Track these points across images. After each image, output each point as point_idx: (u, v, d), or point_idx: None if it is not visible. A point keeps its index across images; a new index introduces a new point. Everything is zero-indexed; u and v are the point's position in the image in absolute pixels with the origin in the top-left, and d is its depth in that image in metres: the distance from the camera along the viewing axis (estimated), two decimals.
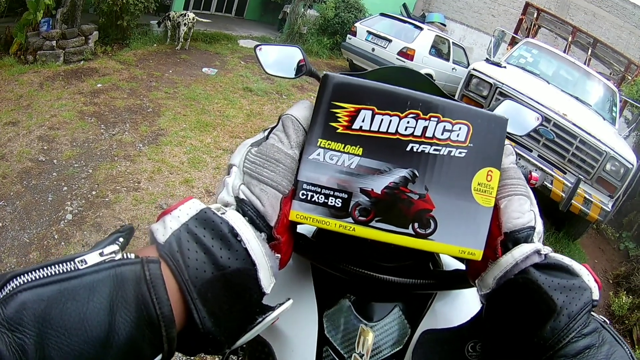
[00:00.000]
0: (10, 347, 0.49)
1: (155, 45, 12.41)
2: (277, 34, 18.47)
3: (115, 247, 0.64)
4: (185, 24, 12.49)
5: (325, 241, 1.24)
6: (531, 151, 8.05)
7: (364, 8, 18.63)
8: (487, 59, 9.59)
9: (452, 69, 15.77)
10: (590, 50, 12.74)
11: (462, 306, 1.24)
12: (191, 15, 12.66)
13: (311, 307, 1.17)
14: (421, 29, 14.81)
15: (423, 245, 0.89)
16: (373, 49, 14.56)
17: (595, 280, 0.80)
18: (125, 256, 0.63)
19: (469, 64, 14.82)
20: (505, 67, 9.34)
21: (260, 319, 0.78)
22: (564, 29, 13.48)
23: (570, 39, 12.82)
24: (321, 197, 0.87)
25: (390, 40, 14.40)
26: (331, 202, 0.87)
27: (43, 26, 9.28)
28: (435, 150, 0.87)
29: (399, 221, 0.88)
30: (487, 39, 15.16)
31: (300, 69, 1.57)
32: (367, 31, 14.89)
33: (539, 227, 0.89)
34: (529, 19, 13.50)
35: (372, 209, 0.88)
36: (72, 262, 0.59)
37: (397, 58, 14.03)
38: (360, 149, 0.86)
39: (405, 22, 15.27)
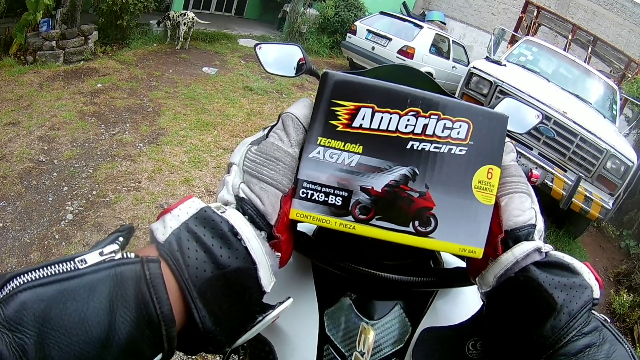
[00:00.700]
0: (10, 347, 0.49)
1: (155, 45, 12.41)
2: (277, 33, 18.47)
3: (115, 247, 0.64)
4: (185, 24, 12.48)
5: (326, 239, 1.24)
6: (532, 149, 8.04)
7: (364, 7, 18.62)
8: (487, 57, 9.60)
9: (452, 67, 15.78)
10: (590, 48, 12.73)
11: (462, 304, 1.24)
12: (191, 14, 12.66)
13: (312, 306, 1.17)
14: (421, 27, 14.81)
15: (423, 244, 0.88)
16: (373, 48, 14.56)
17: (596, 278, 0.80)
18: (125, 255, 0.63)
19: (469, 62, 14.82)
20: (505, 65, 9.35)
21: (260, 318, 0.78)
22: (564, 27, 13.47)
23: (570, 37, 12.84)
24: (321, 196, 0.87)
25: (390, 39, 14.40)
26: (331, 201, 0.87)
27: (43, 26, 9.27)
28: (435, 148, 0.87)
29: (400, 219, 0.88)
30: (487, 37, 15.17)
31: (300, 68, 1.57)
32: (367, 30, 14.89)
33: (540, 224, 0.88)
34: (529, 17, 13.50)
35: (373, 207, 0.87)
36: (72, 262, 0.59)
37: (397, 56, 14.03)
38: (361, 147, 0.86)
39: (405, 20, 15.26)
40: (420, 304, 1.19)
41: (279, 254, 0.81)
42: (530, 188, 0.94)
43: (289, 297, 0.85)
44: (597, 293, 0.78)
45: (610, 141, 7.75)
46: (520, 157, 7.26)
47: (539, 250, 0.82)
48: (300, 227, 1.09)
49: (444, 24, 18.28)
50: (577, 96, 9.32)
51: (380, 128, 0.86)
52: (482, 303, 0.90)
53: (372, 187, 0.87)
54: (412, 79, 1.54)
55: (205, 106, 9.12)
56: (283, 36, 17.15)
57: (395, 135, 0.86)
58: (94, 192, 5.74)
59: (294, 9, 16.98)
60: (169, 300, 0.61)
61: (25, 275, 0.55)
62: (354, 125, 0.86)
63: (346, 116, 0.86)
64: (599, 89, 10.22)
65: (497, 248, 0.86)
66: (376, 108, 0.86)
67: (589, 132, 7.72)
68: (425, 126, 0.87)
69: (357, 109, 0.86)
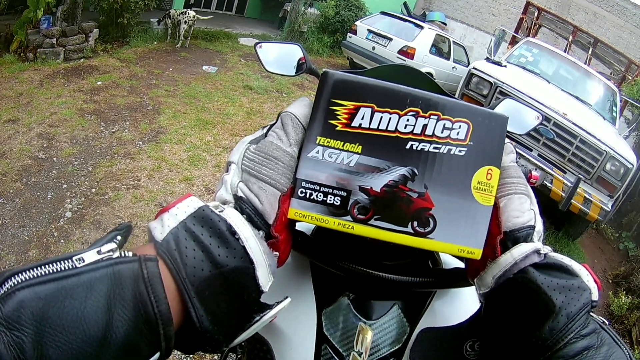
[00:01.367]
0: (8, 345, 0.49)
1: (155, 43, 12.43)
2: (277, 32, 18.49)
3: (113, 245, 0.64)
4: (185, 22, 12.49)
5: (324, 239, 1.25)
6: (531, 150, 8.06)
7: (365, 6, 18.63)
8: (487, 57, 9.60)
9: (453, 67, 15.78)
10: (590, 50, 12.73)
11: (461, 305, 1.24)
12: (191, 13, 12.66)
13: (310, 305, 1.17)
14: (422, 27, 14.79)
15: (422, 244, 0.89)
16: (373, 48, 14.55)
17: (595, 280, 0.80)
18: (122, 254, 0.63)
19: (469, 63, 14.82)
20: (505, 66, 9.35)
21: (258, 317, 0.78)
22: (565, 28, 13.48)
23: (570, 39, 12.83)
24: (320, 195, 0.87)
25: (390, 39, 14.39)
26: (330, 200, 0.87)
27: (43, 24, 9.27)
28: (435, 148, 0.87)
29: (398, 219, 0.88)
30: (488, 38, 15.15)
31: (301, 67, 1.57)
32: (368, 30, 14.89)
33: (539, 226, 0.88)
34: (529, 18, 13.49)
35: (371, 207, 0.87)
36: (70, 261, 0.59)
37: (397, 57, 14.01)
38: (360, 147, 0.86)
39: (405, 20, 15.25)
40: (418, 305, 1.19)
41: (277, 253, 0.81)
42: (530, 189, 0.94)
43: (287, 297, 0.85)
44: (595, 295, 0.78)
45: (610, 143, 7.76)
46: (519, 158, 7.25)
47: (537, 251, 0.82)
48: (298, 226, 1.09)
49: (445, 24, 18.23)
50: (577, 98, 9.32)
51: (380, 128, 0.86)
52: (480, 304, 0.90)
53: (371, 187, 0.87)
54: (412, 79, 1.54)
55: (205, 105, 9.12)
56: (284, 35, 17.17)
57: (394, 135, 0.86)
58: (93, 190, 5.74)
59: (295, 8, 16.99)
60: (167, 299, 0.61)
61: (24, 273, 0.55)
62: (353, 124, 0.86)
63: (345, 116, 0.86)
64: (599, 90, 10.22)
65: (495, 249, 0.86)
66: (376, 108, 0.86)
67: (589, 133, 7.73)
68: (424, 126, 0.87)
69: (357, 109, 0.86)
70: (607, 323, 0.78)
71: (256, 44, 1.65)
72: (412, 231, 0.88)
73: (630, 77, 12.59)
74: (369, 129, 0.86)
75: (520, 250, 0.82)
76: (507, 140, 0.95)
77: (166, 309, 0.61)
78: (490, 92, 8.32)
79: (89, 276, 0.58)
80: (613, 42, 16.34)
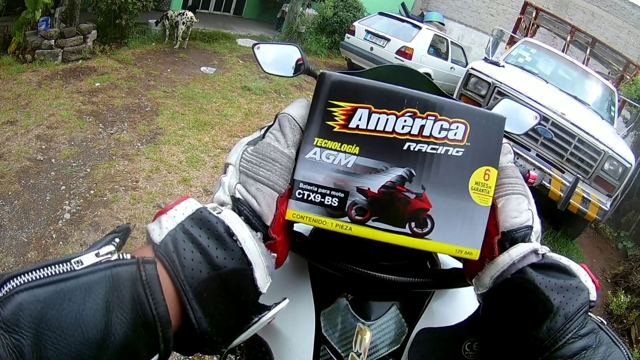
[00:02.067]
0: (7, 348, 0.49)
1: (153, 44, 12.43)
2: (275, 32, 18.49)
3: (111, 248, 0.64)
4: (183, 23, 12.49)
5: (322, 240, 1.25)
6: (529, 150, 8.08)
7: (363, 7, 18.64)
8: (485, 58, 9.61)
9: (451, 68, 15.80)
10: (588, 50, 12.78)
11: (459, 305, 1.25)
12: (189, 14, 12.66)
13: (308, 306, 1.18)
14: (420, 28, 14.80)
15: (420, 245, 0.89)
16: (371, 48, 14.56)
17: (593, 280, 0.80)
18: (121, 257, 0.63)
19: (467, 63, 14.84)
20: (503, 66, 9.38)
21: (256, 319, 0.78)
22: (563, 28, 13.51)
23: (568, 39, 12.86)
24: (318, 196, 0.86)
25: (388, 40, 14.40)
26: (328, 202, 0.87)
27: (41, 25, 9.28)
28: (432, 149, 0.87)
29: (396, 220, 0.88)
30: (486, 38, 15.17)
31: (298, 68, 1.58)
32: (366, 30, 14.90)
33: (537, 226, 0.88)
34: (527, 18, 13.54)
35: (369, 208, 0.87)
36: (68, 263, 0.59)
37: (395, 57, 14.03)
38: (357, 148, 0.86)
39: (403, 21, 15.25)
40: (416, 305, 1.20)
41: (275, 254, 0.81)
42: (528, 189, 0.94)
43: (285, 298, 0.85)
44: (593, 295, 0.78)
45: (608, 142, 7.79)
46: (518, 159, 7.34)
47: (535, 252, 0.82)
48: (297, 227, 1.09)
49: (443, 24, 18.29)
50: (575, 97, 9.36)
51: (377, 129, 0.86)
52: (478, 304, 0.90)
53: (369, 188, 0.87)
54: (409, 80, 1.54)
55: (203, 106, 9.13)
56: (282, 36, 17.18)
57: (392, 136, 0.86)
58: (92, 192, 5.74)
59: (293, 9, 17.01)
60: (165, 301, 0.61)
61: (22, 276, 0.55)
62: (350, 126, 0.86)
63: (343, 117, 0.86)
64: (597, 90, 10.25)
65: (493, 249, 0.86)
66: (373, 109, 0.86)
67: (587, 133, 7.76)
68: (422, 127, 0.87)
69: (354, 110, 0.86)
70: (605, 323, 0.78)
71: (254, 45, 1.65)
72: (409, 232, 0.88)
73: (628, 77, 12.67)
74: (366, 130, 0.86)
75: (518, 251, 0.82)
76: (504, 140, 0.95)
77: (164, 311, 0.61)
78: (489, 92, 8.34)
79: (87, 279, 0.58)
80: (611, 42, 16.38)
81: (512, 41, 12.41)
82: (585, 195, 7.81)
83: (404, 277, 1.06)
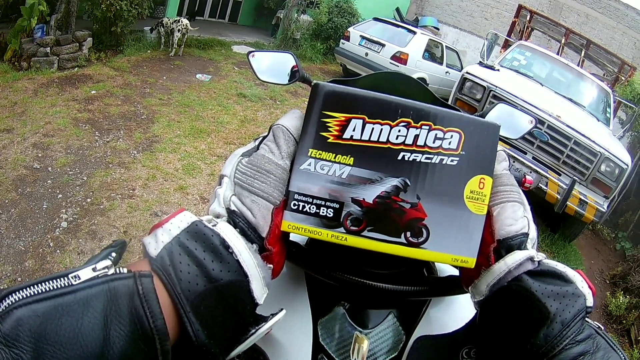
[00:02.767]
0: None
1: (149, 51, 12.44)
2: (270, 39, 18.51)
3: (107, 262, 0.64)
4: (179, 30, 12.52)
5: (318, 249, 1.25)
6: (525, 153, 8.09)
7: (357, 13, 18.67)
8: (480, 62, 9.67)
9: (446, 72, 15.84)
10: (583, 52, 12.78)
11: (456, 312, 1.25)
12: (185, 21, 12.69)
13: (305, 315, 1.18)
14: (414, 33, 14.81)
15: (415, 254, 0.89)
16: (366, 54, 14.57)
17: (589, 286, 0.80)
18: (117, 271, 0.64)
19: (462, 68, 14.81)
20: (498, 70, 9.40)
21: (253, 330, 0.78)
22: (557, 31, 13.52)
23: (563, 41, 12.87)
24: (313, 207, 0.87)
25: (383, 45, 14.42)
26: (323, 212, 0.87)
27: (37, 32, 9.28)
28: (426, 158, 0.87)
29: (391, 230, 0.88)
30: (481, 42, 15.15)
31: (293, 75, 1.57)
32: (361, 36, 14.93)
33: (533, 233, 0.89)
34: (521, 21, 13.54)
35: (364, 219, 0.88)
36: (66, 278, 0.59)
37: (390, 62, 14.05)
38: (352, 159, 0.86)
39: (398, 26, 15.28)
40: (414, 313, 1.20)
41: (271, 265, 0.81)
42: (523, 196, 0.94)
43: (282, 309, 0.85)
44: (590, 301, 0.78)
45: (604, 144, 7.82)
46: (514, 162, 7.37)
47: (531, 259, 0.82)
48: (292, 237, 1.09)
49: (437, 29, 18.30)
50: (570, 100, 9.39)
51: (371, 139, 0.87)
52: (475, 311, 0.91)
53: (364, 199, 0.87)
54: (405, 86, 1.54)
55: (199, 113, 9.14)
56: (277, 42, 17.20)
57: (386, 146, 0.87)
58: (88, 200, 5.73)
59: (288, 16, 17.04)
60: (163, 315, 0.61)
61: (21, 291, 0.56)
62: (344, 136, 0.86)
63: (337, 127, 0.86)
64: (592, 92, 10.29)
65: (489, 257, 0.86)
66: (367, 119, 0.87)
67: (583, 135, 7.79)
68: (416, 137, 0.87)
69: (348, 120, 0.87)
70: (602, 328, 0.78)
71: (249, 53, 1.66)
72: (405, 241, 0.89)
73: (623, 78, 12.69)
74: (360, 140, 0.87)
75: (514, 258, 0.82)
76: (499, 147, 0.95)
77: (162, 324, 0.61)
78: (484, 96, 8.36)
79: (85, 293, 0.59)
80: (605, 44, 16.41)
81: (506, 45, 12.45)
82: (582, 197, 7.84)
83: (401, 285, 1.07)
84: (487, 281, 0.85)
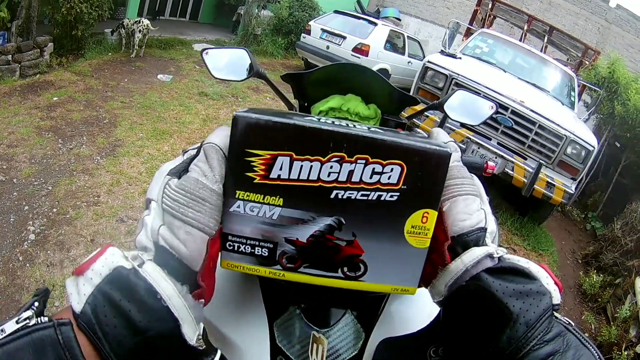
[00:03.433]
0: None
1: (110, 54, 12.34)
2: (231, 36, 18.48)
3: (29, 313, 0.64)
4: (140, 31, 12.44)
5: None
6: (490, 139, 8.20)
7: (318, 6, 18.80)
8: (442, 50, 9.68)
9: (408, 62, 15.99)
10: (546, 38, 12.97)
11: (417, 307, 1.25)
12: (145, 21, 12.60)
13: (261, 317, 1.18)
14: (375, 24, 14.92)
15: (354, 286, 0.88)
16: (328, 47, 14.66)
17: (555, 282, 0.77)
18: (39, 321, 0.63)
19: (424, 57, 14.96)
20: (460, 58, 9.48)
21: None
22: (520, 18, 13.64)
23: (526, 28, 13.03)
24: (247, 247, 0.85)
25: (344, 37, 14.53)
26: (258, 252, 0.86)
27: None
28: (362, 195, 0.83)
29: (328, 267, 0.87)
30: (443, 31, 15.24)
31: (249, 71, 1.57)
32: (322, 29, 15.02)
33: (492, 226, 0.86)
34: (484, 9, 13.64)
35: (299, 257, 0.86)
36: None
37: (352, 54, 14.17)
38: (281, 200, 0.83)
39: (359, 18, 15.39)
40: (372, 310, 1.20)
41: (203, 300, 0.78)
42: (479, 188, 0.92)
43: (217, 350, 0.84)
44: (556, 298, 0.75)
45: (569, 127, 7.95)
46: (479, 149, 7.43)
47: (490, 255, 0.80)
48: None
49: (399, 20, 18.30)
50: (534, 85, 9.50)
51: (301, 178, 0.82)
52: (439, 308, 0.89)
53: (297, 238, 0.85)
54: (360, 78, 1.57)
55: (161, 114, 9.10)
56: (238, 39, 17.20)
57: (317, 185, 0.82)
58: (55, 210, 5.68)
59: (248, 12, 17.03)
60: None
61: None
62: (271, 176, 0.81)
63: (262, 167, 0.81)
64: (556, 77, 10.43)
65: (444, 256, 0.83)
66: (294, 156, 0.80)
67: (547, 119, 7.91)
68: (350, 172, 0.82)
69: (274, 158, 0.81)
70: (572, 324, 0.75)
71: (202, 50, 1.65)
72: (342, 276, 0.88)
73: (587, 62, 12.90)
74: (288, 180, 0.82)
75: (471, 256, 0.80)
76: (449, 138, 0.94)
77: None
78: (446, 84, 8.41)
79: (12, 346, 0.59)
80: (569, 29, 16.67)
81: (468, 33, 12.50)
82: (550, 180, 7.95)
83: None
84: (444, 281, 0.83)
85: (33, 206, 5.69)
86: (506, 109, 7.88)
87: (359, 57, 13.96)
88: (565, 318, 0.76)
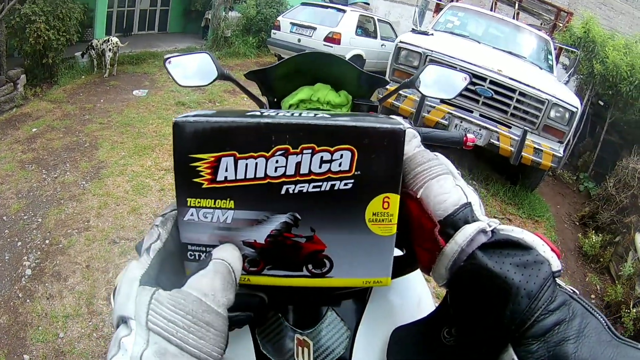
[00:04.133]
0: None
1: (83, 77, 12.33)
2: (202, 42, 18.55)
3: None
4: (110, 49, 12.41)
5: None
6: (472, 112, 8.22)
7: (285, 1, 18.88)
8: (413, 29, 9.68)
9: (382, 45, 16.02)
10: (517, 5, 13.02)
11: (404, 295, 1.23)
12: (114, 39, 12.60)
13: (243, 327, 1.14)
14: (344, 11, 14.98)
15: (322, 283, 0.85)
16: (299, 40, 14.71)
17: (552, 249, 0.75)
18: None
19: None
20: (432, 34, 9.48)
21: None
22: None
23: None
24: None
25: (315, 28, 14.57)
26: None
27: None
28: (314, 187, 0.78)
29: (291, 266, 0.84)
30: (413, 10, 15.30)
31: (213, 75, 1.55)
32: (291, 23, 15.07)
33: (473, 198, 0.83)
34: None
35: (260, 259, 0.83)
36: None
37: (324, 44, 14.21)
38: (232, 202, 0.79)
39: (327, 7, 15.49)
40: (355, 306, 1.19)
41: None
42: (448, 165, 0.88)
43: None
44: (556, 265, 0.73)
45: (551, 91, 7.98)
46: (461, 122, 7.45)
47: (483, 230, 0.77)
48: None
49: (368, 4, 18.37)
50: (510, 53, 9.54)
51: (247, 177, 0.77)
52: (422, 286, 0.87)
53: (255, 240, 0.81)
54: (327, 65, 1.59)
55: (140, 130, 9.10)
56: (209, 44, 17.26)
57: (265, 182, 0.77)
58: (47, 241, 5.67)
59: (216, 15, 17.07)
60: None
61: None
62: (218, 179, 0.77)
63: (208, 171, 0.77)
64: (531, 42, 10.49)
65: (437, 241, 0.80)
66: (238, 155, 0.76)
67: (527, 85, 7.93)
68: (298, 164, 0.77)
69: (218, 160, 0.76)
70: (577, 292, 0.73)
71: (165, 60, 1.63)
72: (308, 274, 0.85)
73: (561, 24, 12.96)
74: (236, 180, 0.77)
75: (464, 235, 0.77)
76: (406, 125, 0.90)
77: None
78: (421, 62, 8.37)
79: None
80: None
81: (438, 9, 12.47)
82: (536, 146, 7.99)
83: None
84: (443, 265, 0.80)
85: (26, 241, 5.68)
86: (484, 79, 7.89)
87: (332, 47, 14.02)
88: (569, 287, 0.74)
